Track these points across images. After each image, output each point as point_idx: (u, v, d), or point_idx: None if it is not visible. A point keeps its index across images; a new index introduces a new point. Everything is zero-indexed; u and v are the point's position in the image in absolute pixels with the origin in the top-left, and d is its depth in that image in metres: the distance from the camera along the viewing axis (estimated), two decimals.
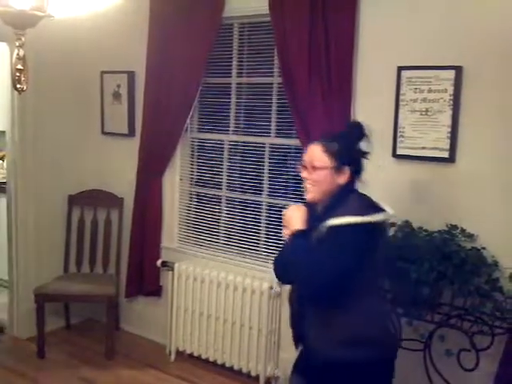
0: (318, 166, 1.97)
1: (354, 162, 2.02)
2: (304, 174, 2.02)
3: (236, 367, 3.39)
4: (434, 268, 2.40)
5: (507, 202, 2.60)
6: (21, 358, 3.62)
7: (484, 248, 2.57)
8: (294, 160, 3.33)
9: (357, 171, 2.04)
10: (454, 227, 2.63)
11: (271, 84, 3.34)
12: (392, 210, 1.99)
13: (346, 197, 1.96)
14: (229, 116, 3.57)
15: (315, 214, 2.01)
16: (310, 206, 2.05)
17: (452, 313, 2.52)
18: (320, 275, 1.82)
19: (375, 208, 1.95)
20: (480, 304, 2.44)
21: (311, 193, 2.01)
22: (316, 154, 1.98)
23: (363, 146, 2.05)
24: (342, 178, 1.99)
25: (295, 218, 2.00)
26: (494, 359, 2.55)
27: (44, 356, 3.60)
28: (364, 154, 2.05)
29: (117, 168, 4.03)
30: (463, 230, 2.63)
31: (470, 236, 2.63)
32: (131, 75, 3.87)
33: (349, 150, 2.01)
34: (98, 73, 4.01)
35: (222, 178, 3.65)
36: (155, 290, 3.82)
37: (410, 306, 2.50)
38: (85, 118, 4.11)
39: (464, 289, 2.43)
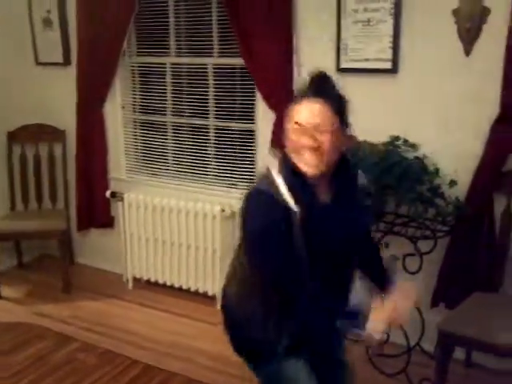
0: (329, 129, 1.52)
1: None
2: (309, 142, 1.53)
3: (193, 288, 3.46)
4: (377, 179, 2.45)
5: (447, 110, 2.64)
6: None
7: (426, 157, 2.63)
8: (239, 80, 3.27)
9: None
10: (397, 138, 2.66)
11: (210, 0, 3.20)
12: None
13: (348, 162, 1.67)
14: (168, 37, 3.42)
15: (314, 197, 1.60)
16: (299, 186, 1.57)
17: (396, 221, 2.60)
18: None
19: None
20: (423, 211, 2.52)
21: (315, 165, 1.54)
22: (323, 113, 1.53)
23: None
24: (347, 142, 1.62)
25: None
26: (437, 262, 2.69)
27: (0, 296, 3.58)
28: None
29: (55, 99, 3.85)
30: (406, 141, 2.67)
31: (413, 146, 2.67)
32: None
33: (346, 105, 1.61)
34: None
35: (166, 104, 3.55)
36: (107, 222, 3.79)
37: None
38: (15, 48, 3.86)
39: (407, 197, 2.50)
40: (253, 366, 1.74)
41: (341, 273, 1.67)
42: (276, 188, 1.54)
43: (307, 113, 1.54)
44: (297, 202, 1.53)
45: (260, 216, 1.54)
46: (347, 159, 1.67)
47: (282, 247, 1.52)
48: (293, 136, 1.56)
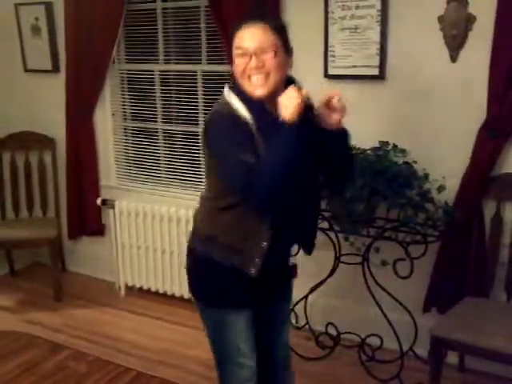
0: (271, 48, 1.60)
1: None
2: (253, 63, 1.60)
3: (186, 296, 3.45)
4: (366, 184, 2.46)
5: (435, 116, 2.66)
6: None
7: (415, 162, 2.64)
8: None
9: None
10: (386, 143, 2.68)
11: (198, 7, 3.20)
12: None
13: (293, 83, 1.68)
14: (157, 44, 3.42)
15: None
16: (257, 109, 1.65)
17: (387, 225, 2.62)
18: None
19: None
20: (413, 215, 2.53)
21: (264, 86, 1.62)
22: (264, 34, 1.60)
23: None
24: (291, 61, 1.69)
25: None
26: (428, 267, 2.71)
27: None
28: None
29: (45, 107, 3.85)
30: (395, 146, 2.69)
31: (402, 151, 2.69)
32: (49, 6, 3.62)
33: (285, 26, 1.69)
34: (12, 5, 3.73)
35: (156, 111, 3.55)
36: (98, 229, 3.78)
37: (346, 222, 2.57)
38: (3, 55, 3.86)
39: (397, 202, 2.51)
40: (203, 306, 1.86)
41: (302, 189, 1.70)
42: (232, 107, 1.64)
43: (248, 36, 1.61)
44: (252, 117, 1.62)
45: (225, 129, 1.62)
46: (294, 83, 1.69)
47: (251, 153, 1.57)
48: (238, 61, 1.64)
